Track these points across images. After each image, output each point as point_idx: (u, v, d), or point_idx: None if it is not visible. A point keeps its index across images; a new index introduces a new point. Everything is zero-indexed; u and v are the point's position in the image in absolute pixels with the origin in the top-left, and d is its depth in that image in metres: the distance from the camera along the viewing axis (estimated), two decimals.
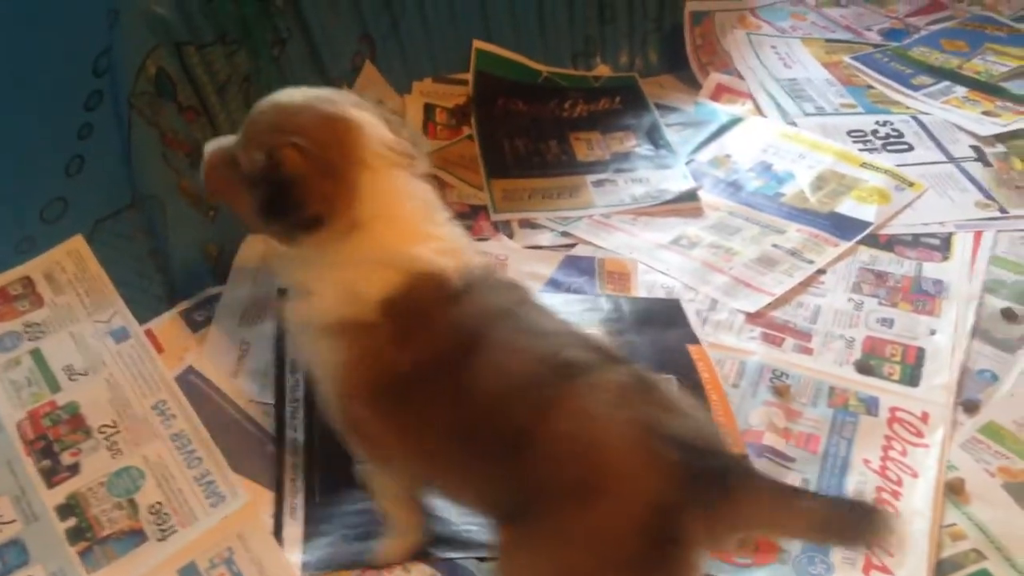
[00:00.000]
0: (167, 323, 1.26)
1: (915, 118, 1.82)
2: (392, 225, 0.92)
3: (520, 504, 0.86)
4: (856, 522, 0.83)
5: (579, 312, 1.37)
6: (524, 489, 0.86)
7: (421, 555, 1.04)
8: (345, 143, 0.91)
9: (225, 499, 1.09)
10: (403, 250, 0.91)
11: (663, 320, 1.38)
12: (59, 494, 1.08)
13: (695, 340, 1.34)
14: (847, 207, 1.60)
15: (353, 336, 0.91)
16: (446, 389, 0.89)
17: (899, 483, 1.15)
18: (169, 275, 1.30)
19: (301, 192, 0.89)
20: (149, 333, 1.24)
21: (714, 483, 0.82)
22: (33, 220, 1.29)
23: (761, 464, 1.17)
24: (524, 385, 0.87)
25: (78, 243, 1.29)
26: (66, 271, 1.27)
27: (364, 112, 0.94)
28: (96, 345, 1.21)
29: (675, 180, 1.68)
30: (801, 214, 1.59)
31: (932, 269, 1.47)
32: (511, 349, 0.89)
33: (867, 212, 1.59)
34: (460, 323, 0.90)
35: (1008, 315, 1.36)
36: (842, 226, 1.56)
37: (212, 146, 1.01)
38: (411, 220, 0.93)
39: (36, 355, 1.20)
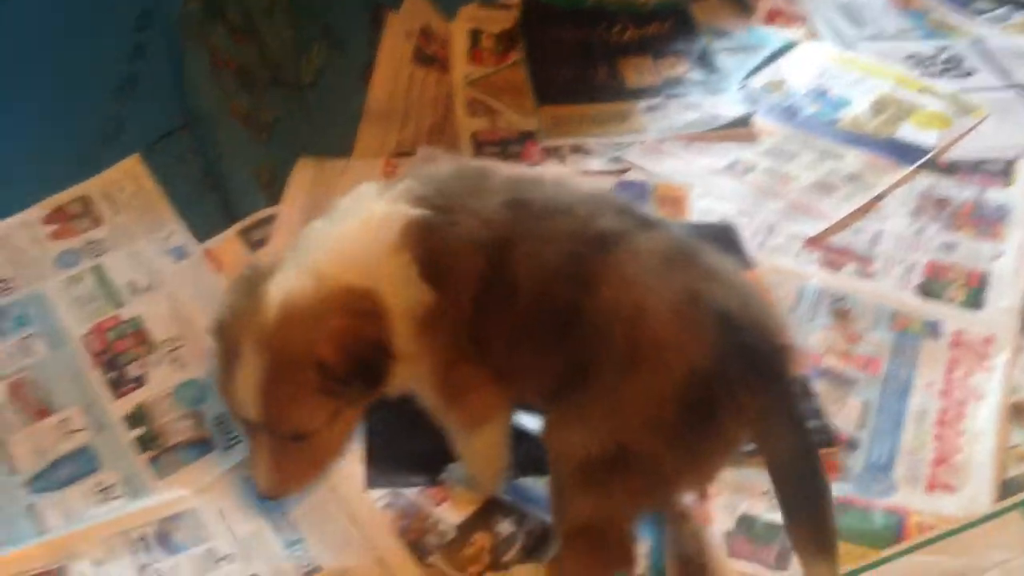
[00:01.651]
0: (225, 242, 1.27)
1: (975, 43, 1.77)
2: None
3: (570, 381, 0.88)
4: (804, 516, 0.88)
5: None
6: (575, 364, 0.87)
7: None
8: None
9: None
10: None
11: (716, 245, 1.35)
12: (126, 404, 1.10)
13: (749, 265, 1.32)
14: (906, 132, 1.56)
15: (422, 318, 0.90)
16: (505, 304, 0.89)
17: (963, 405, 1.14)
18: (224, 195, 1.30)
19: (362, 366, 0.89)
20: (208, 252, 1.24)
21: (751, 362, 0.85)
22: (89, 141, 1.29)
23: (822, 385, 1.17)
24: (563, 267, 0.88)
25: (134, 163, 1.29)
26: (124, 190, 1.28)
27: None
28: (156, 262, 1.22)
29: (728, 105, 1.64)
30: (859, 139, 1.56)
31: (994, 194, 1.44)
32: (539, 238, 0.89)
33: (927, 137, 1.55)
34: (477, 244, 0.89)
35: None
36: (901, 151, 1.53)
37: (261, 468, 0.92)
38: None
39: (98, 271, 1.21)
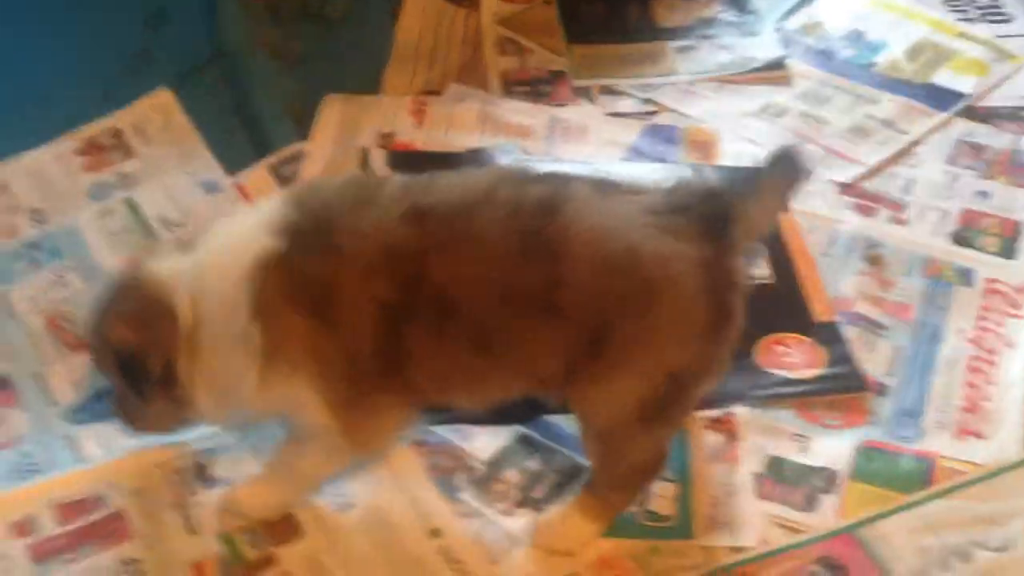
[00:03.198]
0: (255, 176, 1.26)
1: None
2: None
3: (583, 353, 0.87)
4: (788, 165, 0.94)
5: (659, 181, 1.33)
6: (578, 337, 0.86)
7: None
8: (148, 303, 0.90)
9: None
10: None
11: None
12: None
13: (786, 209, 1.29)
14: (943, 78, 1.54)
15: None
16: (439, 319, 0.86)
17: (994, 353, 1.14)
18: (255, 129, 1.29)
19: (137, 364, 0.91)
20: (238, 186, 1.24)
21: (720, 219, 0.88)
22: (118, 73, 1.28)
23: (853, 331, 1.17)
24: (515, 250, 0.84)
25: (165, 96, 1.28)
26: (154, 123, 1.27)
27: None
28: (188, 196, 1.21)
29: (762, 47, 1.62)
30: (895, 84, 1.53)
31: None
32: (465, 238, 0.85)
33: (964, 83, 1.52)
34: (370, 269, 0.85)
35: None
36: (938, 97, 1.50)
37: None
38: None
39: (130, 204, 1.21)
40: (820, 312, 1.18)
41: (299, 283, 0.84)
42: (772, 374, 1.11)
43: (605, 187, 0.90)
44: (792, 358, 1.13)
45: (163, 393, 0.88)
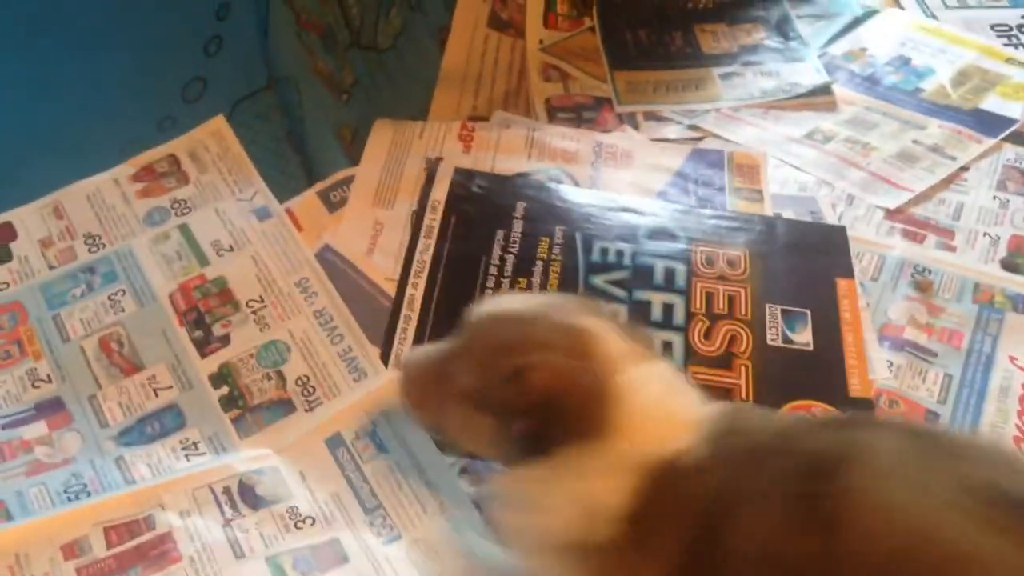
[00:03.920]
0: (305, 202, 1.28)
1: None
2: (643, 426, 0.77)
3: None
4: None
5: (723, 230, 1.33)
6: None
7: None
8: (591, 351, 0.78)
9: (367, 375, 1.12)
10: (650, 449, 0.76)
11: (818, 247, 1.31)
12: (212, 363, 1.12)
13: (848, 274, 1.27)
14: (991, 103, 1.53)
15: (594, 558, 0.76)
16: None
17: None
18: (306, 155, 1.32)
19: (558, 415, 0.76)
20: (288, 212, 1.26)
21: None
22: (174, 99, 1.31)
23: (902, 358, 1.15)
24: (787, 517, 0.69)
25: (219, 123, 1.31)
26: (209, 150, 1.30)
27: (592, 316, 0.82)
28: (241, 222, 1.24)
29: (807, 73, 1.62)
30: (942, 110, 1.52)
31: None
32: (757, 489, 0.72)
33: (1012, 109, 1.51)
34: (706, 501, 0.73)
35: None
36: (986, 122, 1.49)
37: (413, 358, 0.90)
38: (662, 415, 0.78)
39: (184, 230, 1.23)
40: (857, 387, 1.15)
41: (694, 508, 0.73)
42: None
43: (923, 440, 0.73)
44: None
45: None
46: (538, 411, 0.75)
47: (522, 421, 0.75)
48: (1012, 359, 1.15)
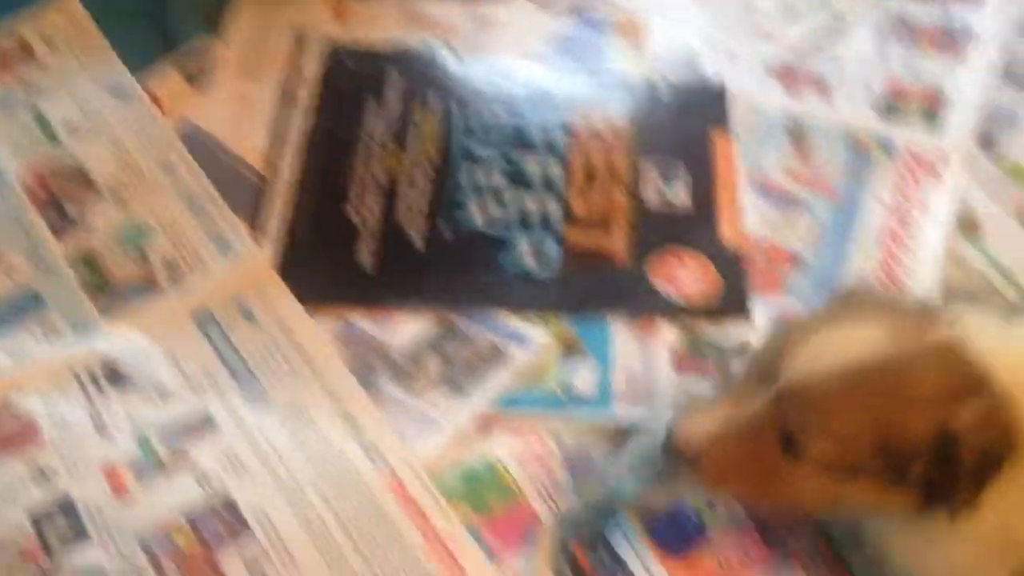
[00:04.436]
0: (165, 78, 1.23)
1: None
2: None
3: None
4: None
5: (604, 93, 1.30)
6: None
7: None
8: (977, 372, 0.68)
9: (234, 250, 1.10)
10: None
11: (697, 104, 1.29)
12: (71, 247, 1.09)
13: (726, 129, 1.25)
14: None
15: None
16: None
17: (913, 222, 1.13)
18: (165, 28, 1.26)
19: (993, 465, 0.67)
20: (147, 89, 1.21)
21: None
22: None
23: (773, 207, 1.16)
24: None
25: (70, 2, 1.25)
26: (60, 29, 1.24)
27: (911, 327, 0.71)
28: (96, 103, 1.19)
29: None
30: None
31: (962, 12, 1.39)
32: None
33: None
34: None
35: None
36: None
37: (697, 432, 0.75)
38: None
39: (36, 111, 1.18)
40: (729, 237, 1.15)
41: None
42: (656, 292, 1.09)
43: None
44: (685, 278, 1.10)
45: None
46: (976, 470, 0.66)
47: (964, 485, 0.66)
48: (880, 201, 1.16)
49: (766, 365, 0.72)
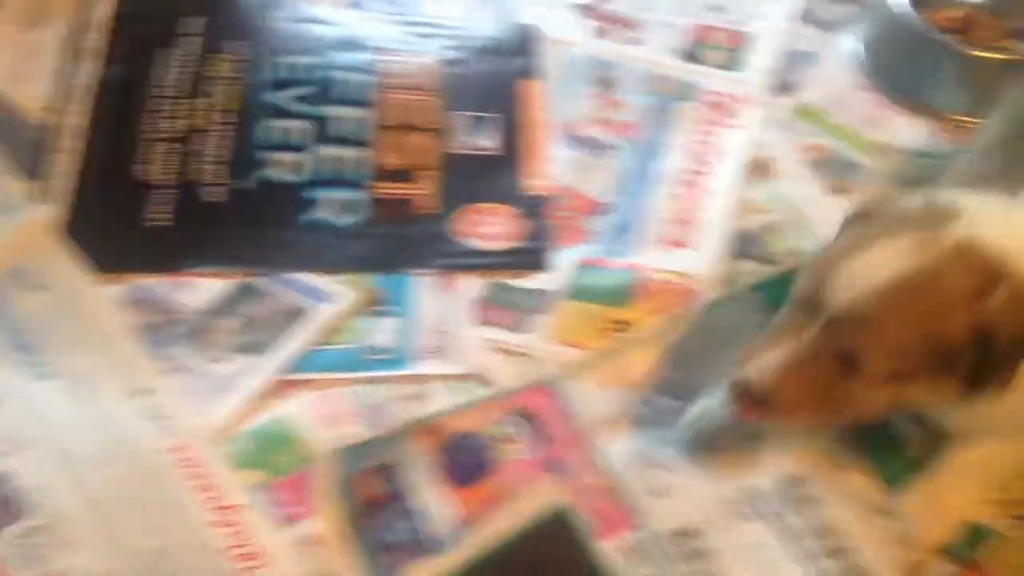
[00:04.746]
0: None
1: None
2: None
3: None
4: None
5: (414, 38, 1.27)
6: None
7: None
8: (1005, 272, 0.73)
9: (16, 209, 1.05)
10: None
11: (509, 48, 1.28)
12: None
13: (535, 74, 1.24)
14: None
15: None
16: None
17: (709, 164, 1.15)
18: None
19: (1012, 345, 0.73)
20: None
21: None
22: None
23: (578, 154, 1.16)
24: None
25: None
26: None
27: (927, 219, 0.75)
28: None
29: None
30: None
31: None
32: None
33: None
34: None
35: None
36: None
37: (763, 371, 0.77)
38: None
39: None
40: (534, 185, 1.15)
41: None
42: (459, 243, 1.09)
43: None
44: (489, 228, 1.10)
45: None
46: (1011, 350, 0.72)
47: (1003, 364, 0.72)
48: (679, 146, 1.17)
49: (808, 300, 0.76)
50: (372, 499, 0.91)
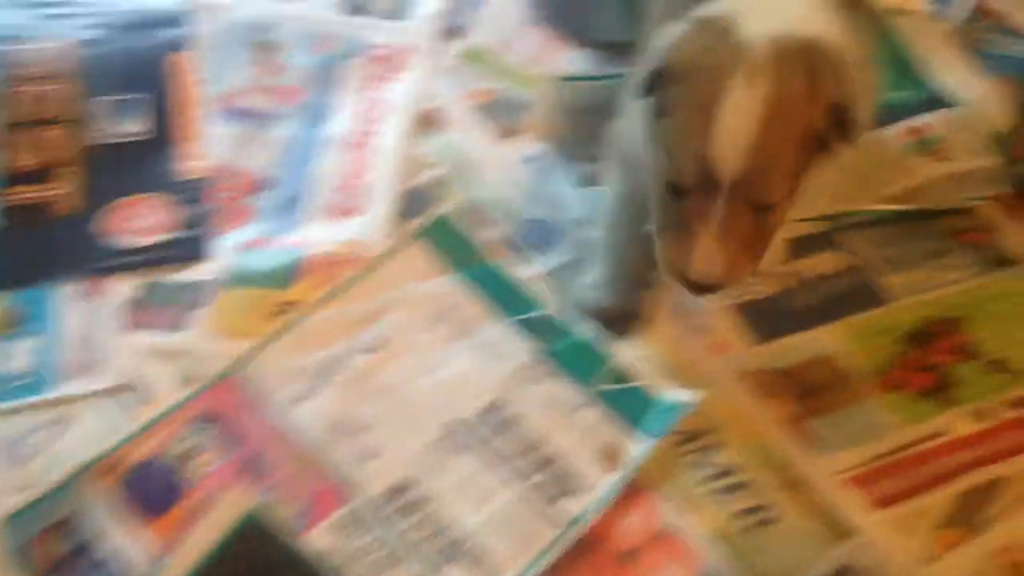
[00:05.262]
0: None
1: None
2: None
3: None
4: None
5: (46, 21, 1.14)
6: None
7: None
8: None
9: None
10: None
11: (156, 21, 1.16)
12: None
13: (185, 47, 1.14)
14: None
15: None
16: None
17: (375, 123, 1.09)
18: None
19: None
20: None
21: None
22: None
23: (239, 127, 1.08)
24: None
25: None
26: None
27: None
28: None
29: None
30: None
31: None
32: None
33: None
34: None
35: None
36: None
37: (708, 249, 0.77)
38: None
39: None
40: (189, 169, 1.05)
41: None
42: (107, 244, 0.99)
43: None
44: (141, 222, 1.01)
45: None
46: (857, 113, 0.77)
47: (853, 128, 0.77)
48: (345, 107, 1.10)
49: (699, 179, 0.76)
50: (55, 561, 0.83)
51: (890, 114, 1.06)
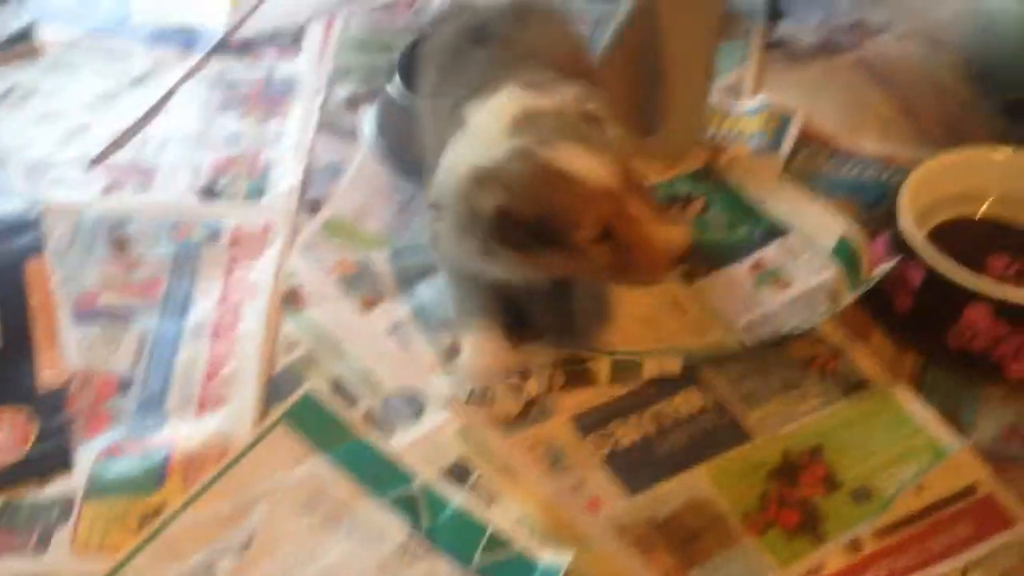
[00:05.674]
0: None
1: None
2: None
3: None
4: None
5: None
6: None
7: None
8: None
9: None
10: None
11: (10, 229, 1.16)
12: None
13: (40, 251, 1.13)
14: (191, 17, 1.46)
15: None
16: None
17: (239, 307, 1.08)
18: None
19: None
20: None
21: None
22: None
23: (96, 328, 1.06)
24: None
25: None
26: None
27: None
28: None
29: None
30: (151, 35, 1.43)
31: (284, 69, 1.39)
32: None
33: (216, 20, 1.45)
34: None
35: (351, 102, 1.32)
36: (190, 39, 1.43)
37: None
38: None
39: None
40: (49, 377, 1.03)
41: None
42: None
43: None
44: None
45: None
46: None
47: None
48: (208, 295, 1.09)
49: (557, 232, 0.87)
50: None
51: (733, 252, 1.11)
